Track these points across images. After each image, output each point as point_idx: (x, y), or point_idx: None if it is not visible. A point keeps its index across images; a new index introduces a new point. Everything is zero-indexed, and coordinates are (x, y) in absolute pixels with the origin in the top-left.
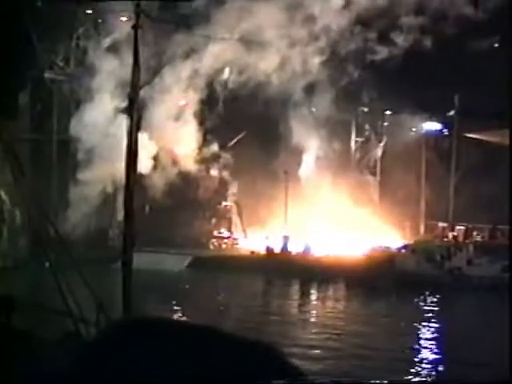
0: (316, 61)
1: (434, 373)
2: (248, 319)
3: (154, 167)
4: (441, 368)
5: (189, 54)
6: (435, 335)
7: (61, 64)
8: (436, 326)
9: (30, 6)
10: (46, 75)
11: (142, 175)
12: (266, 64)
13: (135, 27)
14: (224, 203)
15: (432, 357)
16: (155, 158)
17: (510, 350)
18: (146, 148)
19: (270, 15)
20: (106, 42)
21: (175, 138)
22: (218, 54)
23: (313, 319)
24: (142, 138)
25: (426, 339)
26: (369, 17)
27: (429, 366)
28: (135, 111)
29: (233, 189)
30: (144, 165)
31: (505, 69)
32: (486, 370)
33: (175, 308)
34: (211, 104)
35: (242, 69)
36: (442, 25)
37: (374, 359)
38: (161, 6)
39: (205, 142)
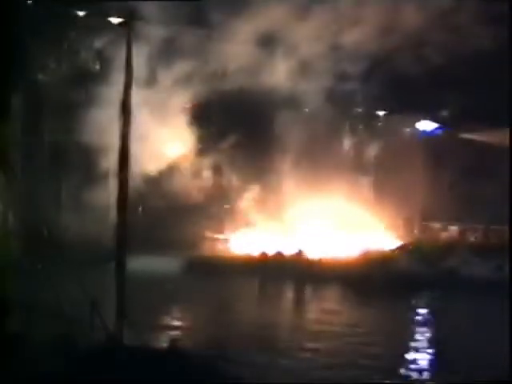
0: (320, 66)
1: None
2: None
3: (163, 171)
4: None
5: (191, 53)
6: (429, 336)
7: (53, 66)
8: (431, 326)
9: (22, 8)
10: (39, 77)
11: (149, 178)
12: (271, 68)
13: (128, 29)
14: (224, 205)
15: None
16: (172, 164)
17: (510, 350)
18: (165, 152)
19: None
20: (99, 43)
21: (169, 139)
22: (222, 56)
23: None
24: (162, 141)
25: (419, 340)
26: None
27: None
28: (127, 113)
29: (234, 190)
30: (158, 169)
31: (501, 69)
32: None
33: (167, 310)
34: (207, 106)
35: (242, 71)
36: (438, 30)
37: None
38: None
39: (199, 144)
